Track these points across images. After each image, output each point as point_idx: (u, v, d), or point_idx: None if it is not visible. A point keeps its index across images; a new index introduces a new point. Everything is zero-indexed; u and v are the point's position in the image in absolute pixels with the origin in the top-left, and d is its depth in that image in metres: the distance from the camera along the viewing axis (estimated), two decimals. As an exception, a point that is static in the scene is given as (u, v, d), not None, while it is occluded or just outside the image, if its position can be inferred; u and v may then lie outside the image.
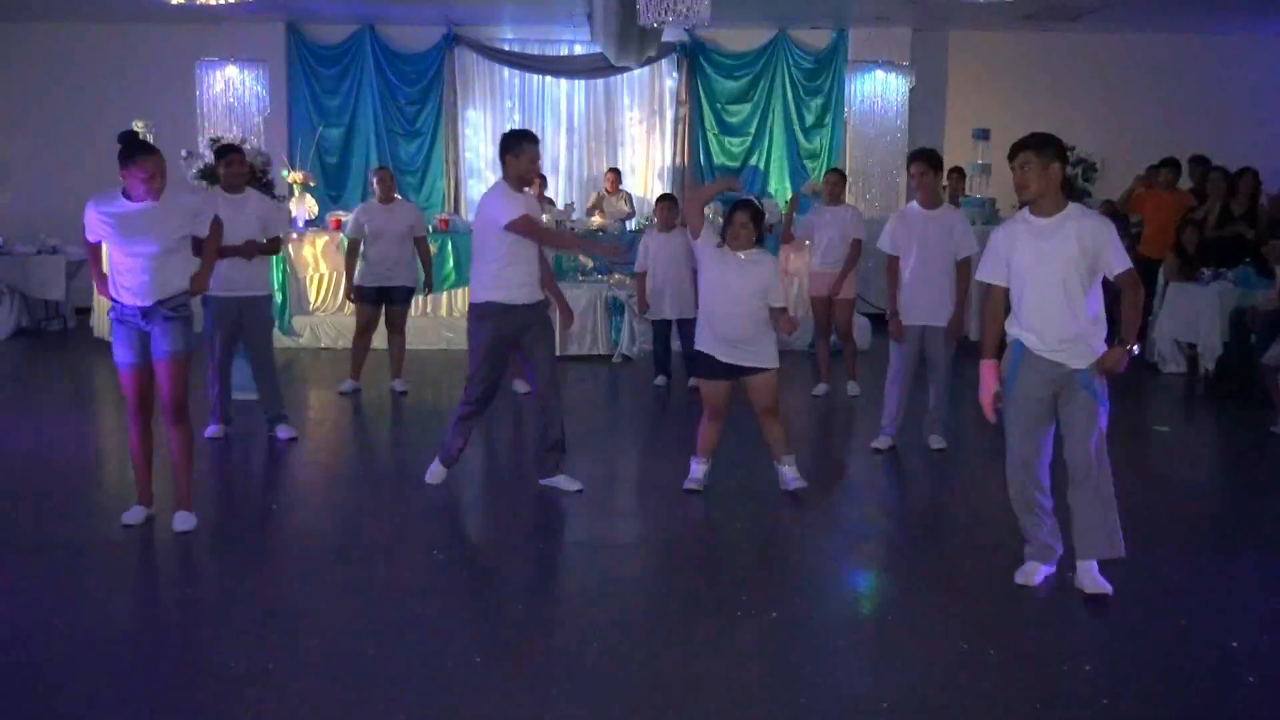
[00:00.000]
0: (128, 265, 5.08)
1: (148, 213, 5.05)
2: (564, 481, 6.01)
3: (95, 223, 5.13)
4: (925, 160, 6.77)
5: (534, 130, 6.90)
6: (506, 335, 5.81)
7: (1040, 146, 4.52)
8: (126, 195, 5.08)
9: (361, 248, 8.67)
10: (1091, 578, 4.61)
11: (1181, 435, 8.03)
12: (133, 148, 5.08)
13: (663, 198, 9.30)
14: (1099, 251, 4.47)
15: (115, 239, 5.06)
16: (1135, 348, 4.57)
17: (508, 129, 6.98)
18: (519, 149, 5.80)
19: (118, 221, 5.05)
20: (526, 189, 5.89)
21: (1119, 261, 4.48)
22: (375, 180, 8.87)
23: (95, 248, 5.37)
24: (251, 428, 7.30)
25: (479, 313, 5.82)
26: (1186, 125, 12.90)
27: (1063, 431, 4.63)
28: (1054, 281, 4.48)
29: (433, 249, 9.96)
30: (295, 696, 3.73)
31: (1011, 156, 4.56)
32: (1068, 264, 4.46)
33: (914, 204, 6.89)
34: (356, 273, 8.69)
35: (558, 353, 10.10)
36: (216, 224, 5.52)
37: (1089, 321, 4.52)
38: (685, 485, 6.01)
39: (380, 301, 8.71)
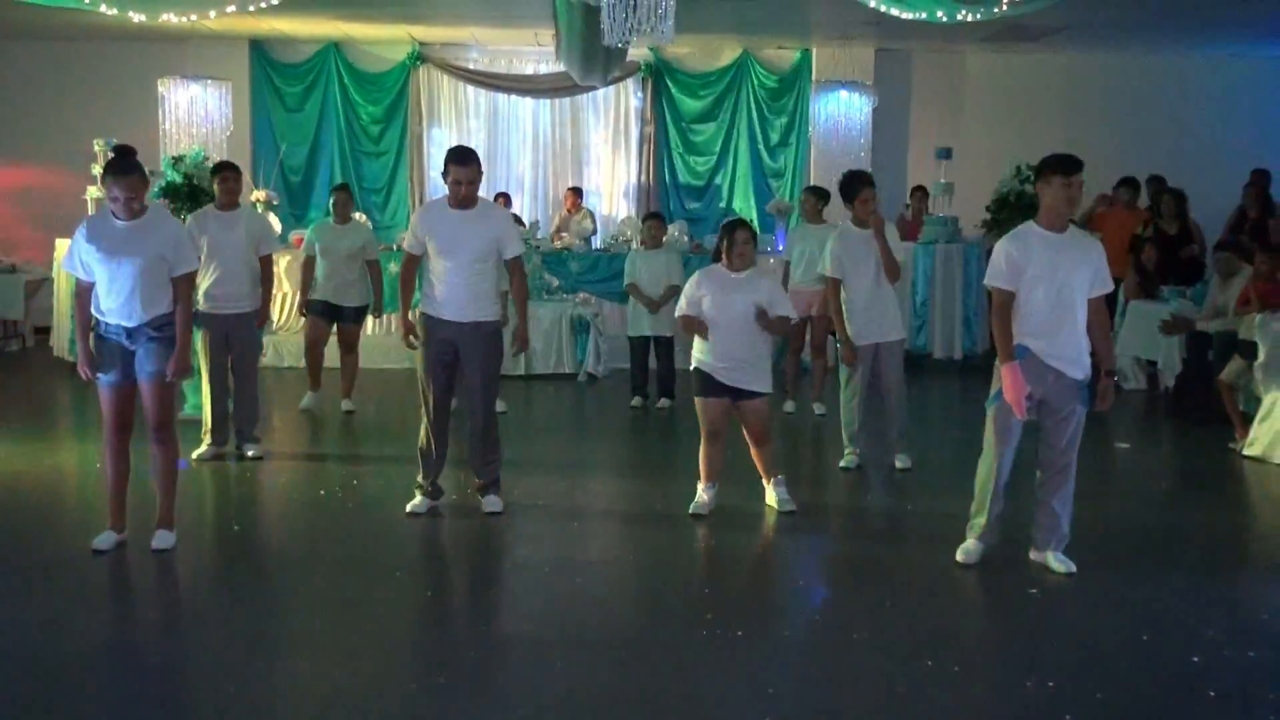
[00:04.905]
0: (113, 283, 5.03)
1: (132, 229, 5.03)
2: (487, 503, 5.97)
3: (81, 252, 5.03)
4: (871, 185, 6.86)
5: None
6: (436, 345, 5.78)
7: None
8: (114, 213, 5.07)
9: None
10: (1060, 560, 5.07)
11: (1142, 452, 8.10)
12: (108, 166, 5.07)
13: (650, 215, 9.58)
14: (1099, 269, 4.92)
15: (100, 256, 5.01)
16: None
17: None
18: (445, 169, 5.74)
19: (104, 239, 5.02)
20: (465, 207, 5.70)
21: (1109, 282, 4.96)
22: (332, 199, 8.88)
23: (84, 295, 5.14)
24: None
25: (421, 322, 5.87)
26: (1145, 144, 13.05)
27: (1049, 432, 5.01)
28: (1069, 292, 4.85)
29: (394, 268, 9.89)
30: (258, 719, 3.69)
31: (1069, 173, 4.83)
32: (1082, 277, 4.87)
33: (849, 225, 6.93)
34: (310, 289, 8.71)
35: (523, 371, 10.28)
36: (186, 309, 5.23)
37: (1084, 332, 4.92)
38: (691, 510, 5.93)
39: (330, 316, 8.69)
